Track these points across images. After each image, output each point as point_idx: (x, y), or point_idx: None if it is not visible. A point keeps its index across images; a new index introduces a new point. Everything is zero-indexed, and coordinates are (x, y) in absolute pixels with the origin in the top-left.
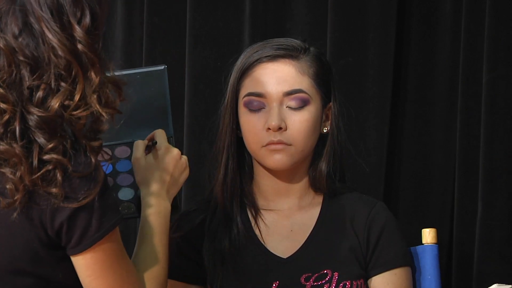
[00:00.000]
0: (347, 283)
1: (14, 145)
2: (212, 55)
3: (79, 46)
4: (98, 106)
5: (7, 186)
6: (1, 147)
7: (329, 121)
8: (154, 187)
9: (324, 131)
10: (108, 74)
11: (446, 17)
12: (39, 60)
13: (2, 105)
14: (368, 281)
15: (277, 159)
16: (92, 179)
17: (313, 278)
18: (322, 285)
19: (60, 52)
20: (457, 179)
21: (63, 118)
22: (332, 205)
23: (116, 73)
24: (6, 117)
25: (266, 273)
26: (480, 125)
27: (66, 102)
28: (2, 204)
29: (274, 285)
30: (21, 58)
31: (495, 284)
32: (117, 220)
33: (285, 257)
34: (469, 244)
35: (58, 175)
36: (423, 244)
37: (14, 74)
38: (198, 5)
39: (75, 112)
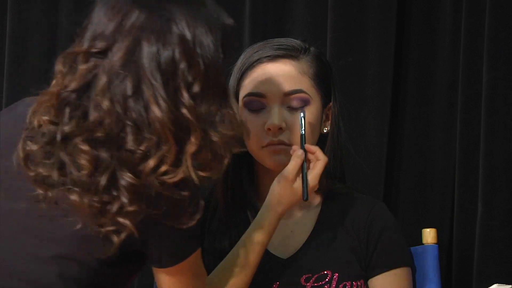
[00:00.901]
0: (347, 284)
1: (95, 198)
2: None
3: (184, 111)
4: (191, 171)
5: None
6: (73, 197)
7: (329, 121)
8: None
9: (324, 131)
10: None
11: (446, 17)
12: (143, 125)
13: (104, 157)
14: (368, 282)
15: (278, 160)
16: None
17: (313, 278)
18: (322, 285)
19: (163, 120)
20: (457, 179)
21: (152, 183)
22: (332, 206)
23: None
24: (103, 171)
25: (266, 274)
26: (480, 125)
27: (159, 167)
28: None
29: (274, 286)
30: (127, 120)
31: (495, 284)
32: (201, 237)
33: (285, 257)
34: (469, 244)
35: (123, 235)
36: (423, 244)
37: (116, 133)
38: None
39: (164, 177)
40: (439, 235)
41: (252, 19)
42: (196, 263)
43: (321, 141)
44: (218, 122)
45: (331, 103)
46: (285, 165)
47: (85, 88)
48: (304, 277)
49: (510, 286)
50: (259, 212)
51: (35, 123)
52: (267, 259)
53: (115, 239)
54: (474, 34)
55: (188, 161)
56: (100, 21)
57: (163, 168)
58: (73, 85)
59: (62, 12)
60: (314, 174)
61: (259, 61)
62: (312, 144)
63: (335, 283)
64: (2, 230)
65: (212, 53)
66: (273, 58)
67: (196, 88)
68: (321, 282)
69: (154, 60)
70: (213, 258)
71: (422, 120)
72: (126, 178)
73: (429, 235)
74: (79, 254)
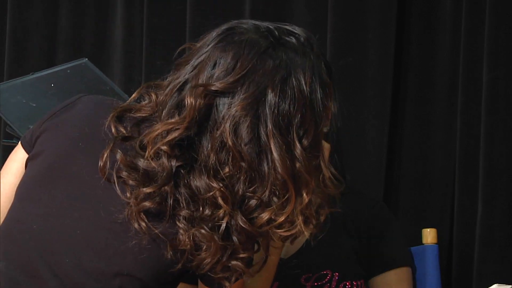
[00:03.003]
0: (347, 284)
1: (215, 236)
2: None
3: (297, 165)
4: (303, 227)
5: (180, 237)
6: (204, 231)
7: (329, 121)
8: None
9: (325, 131)
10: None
11: (446, 17)
12: (259, 173)
13: (221, 202)
14: (369, 282)
15: None
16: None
17: (313, 278)
18: (323, 285)
19: (280, 170)
20: (457, 179)
21: (264, 232)
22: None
23: (38, 74)
24: (220, 213)
25: None
26: (480, 125)
27: (273, 218)
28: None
29: (274, 286)
30: (244, 165)
31: (495, 284)
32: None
33: (285, 257)
34: (469, 244)
35: (234, 278)
36: (423, 244)
37: (233, 177)
38: (198, 5)
39: (278, 230)
40: (439, 235)
41: (252, 19)
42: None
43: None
44: (321, 178)
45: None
46: None
47: (200, 123)
48: (304, 276)
49: (510, 286)
50: None
51: (150, 152)
52: None
53: (227, 284)
54: (474, 34)
55: (299, 217)
56: (225, 60)
57: (280, 220)
58: (193, 120)
59: (62, 12)
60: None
61: None
62: None
63: (335, 282)
64: (69, 234)
65: (321, 107)
66: None
67: (305, 142)
68: (321, 281)
69: (275, 110)
70: None
71: (422, 120)
72: (239, 223)
73: (429, 235)
74: (142, 275)
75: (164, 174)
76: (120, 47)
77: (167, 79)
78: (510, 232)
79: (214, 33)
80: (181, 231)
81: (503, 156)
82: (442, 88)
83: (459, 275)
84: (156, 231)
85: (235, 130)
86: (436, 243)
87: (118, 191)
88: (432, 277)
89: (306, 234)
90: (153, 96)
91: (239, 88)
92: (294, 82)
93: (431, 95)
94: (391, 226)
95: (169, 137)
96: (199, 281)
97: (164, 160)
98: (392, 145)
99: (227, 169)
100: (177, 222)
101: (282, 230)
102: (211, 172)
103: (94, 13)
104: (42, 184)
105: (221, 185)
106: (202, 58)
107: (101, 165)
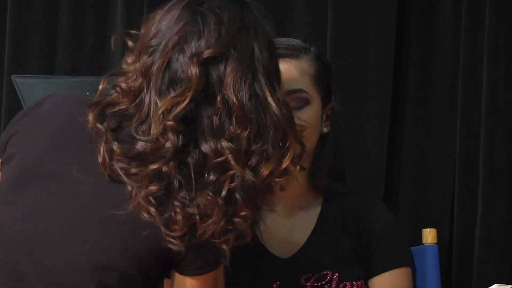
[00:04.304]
0: (347, 284)
1: (218, 199)
2: None
3: (288, 113)
4: (297, 174)
5: (177, 218)
6: (209, 197)
7: (329, 121)
8: None
9: (325, 130)
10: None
11: (446, 17)
12: (262, 127)
13: (233, 163)
14: (369, 282)
15: None
16: None
17: (313, 278)
18: (323, 285)
19: (280, 121)
20: (457, 179)
21: (267, 185)
22: (333, 206)
23: (78, 78)
24: (231, 173)
25: (266, 274)
26: (480, 125)
27: (274, 169)
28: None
29: (274, 286)
30: (248, 122)
31: (495, 285)
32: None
33: (285, 257)
34: (469, 244)
35: (232, 238)
36: (423, 244)
37: (239, 135)
38: None
39: (278, 180)
40: (439, 235)
41: None
42: (221, 269)
43: (321, 141)
44: None
45: (331, 103)
46: None
47: (200, 93)
48: (304, 277)
49: (510, 286)
50: None
51: (158, 129)
52: (267, 259)
53: (224, 246)
54: (474, 34)
55: (297, 166)
56: (208, 28)
57: (282, 167)
58: (193, 90)
59: (62, 12)
60: None
61: None
62: (312, 143)
63: (335, 283)
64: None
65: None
66: None
67: (281, 87)
68: (321, 282)
69: (263, 63)
70: None
71: (422, 120)
72: (245, 178)
73: (429, 235)
74: (122, 265)
75: (172, 148)
76: (120, 47)
77: (133, 65)
78: (510, 232)
79: (177, 11)
80: (177, 209)
81: (503, 156)
82: (442, 88)
83: (459, 275)
84: (162, 217)
85: (237, 90)
86: (436, 243)
87: (125, 179)
88: (432, 277)
89: (299, 179)
90: (124, 85)
91: (230, 52)
92: (266, 35)
93: (431, 95)
94: (391, 226)
95: (175, 111)
96: (176, 277)
97: (171, 135)
98: (392, 145)
99: (232, 129)
100: (175, 202)
101: (282, 179)
102: (218, 134)
103: (94, 13)
104: (16, 187)
105: (231, 145)
106: (180, 33)
107: (101, 160)
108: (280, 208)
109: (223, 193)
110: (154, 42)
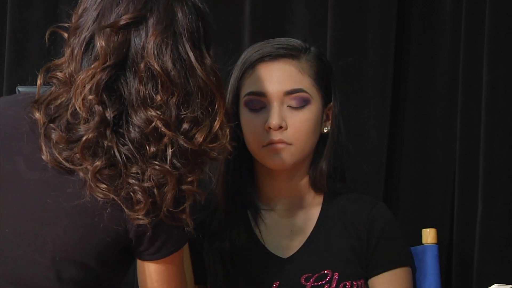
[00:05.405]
0: (347, 283)
1: (166, 166)
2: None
3: (214, 77)
4: (228, 139)
5: (137, 196)
6: (157, 167)
7: (330, 121)
8: None
9: (325, 131)
10: None
11: (446, 17)
12: (189, 92)
13: (163, 129)
14: (369, 281)
15: (278, 159)
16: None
17: (313, 278)
18: (323, 285)
19: (207, 85)
20: (457, 179)
21: (203, 151)
22: (332, 205)
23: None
24: (166, 140)
25: (266, 273)
26: (480, 125)
27: (207, 135)
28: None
29: (274, 285)
30: (174, 87)
31: (495, 285)
32: (189, 234)
33: (285, 257)
34: (469, 244)
35: (187, 206)
36: (423, 244)
37: (166, 103)
38: None
39: (211, 145)
40: (439, 235)
41: (252, 19)
42: (182, 254)
43: (322, 141)
44: None
45: (331, 103)
46: (285, 164)
47: (121, 62)
48: (304, 276)
49: (510, 286)
50: None
51: (79, 104)
52: (267, 258)
53: (184, 216)
54: (474, 34)
55: (227, 130)
56: None
57: (213, 131)
58: (112, 60)
59: (62, 12)
60: None
61: (259, 60)
62: (312, 143)
63: (335, 282)
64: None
65: (208, 21)
66: (273, 57)
67: (211, 53)
68: (321, 281)
69: (187, 27)
70: (213, 258)
71: (422, 120)
72: (182, 145)
73: (429, 235)
74: (79, 257)
75: (98, 118)
76: None
77: (67, 52)
78: (510, 232)
79: None
80: (135, 187)
81: (503, 156)
82: (442, 88)
83: (459, 275)
84: (119, 197)
85: (159, 56)
86: (436, 243)
87: (72, 166)
88: (432, 277)
89: (229, 147)
90: (60, 75)
91: (148, 15)
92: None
93: (431, 95)
94: (391, 226)
95: (92, 82)
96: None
97: (97, 107)
98: (392, 145)
99: (159, 97)
100: (130, 180)
101: (216, 144)
102: (145, 104)
103: None
104: None
105: (159, 113)
106: (100, 6)
107: (46, 154)
108: (280, 208)
109: (168, 160)
110: (81, 21)
